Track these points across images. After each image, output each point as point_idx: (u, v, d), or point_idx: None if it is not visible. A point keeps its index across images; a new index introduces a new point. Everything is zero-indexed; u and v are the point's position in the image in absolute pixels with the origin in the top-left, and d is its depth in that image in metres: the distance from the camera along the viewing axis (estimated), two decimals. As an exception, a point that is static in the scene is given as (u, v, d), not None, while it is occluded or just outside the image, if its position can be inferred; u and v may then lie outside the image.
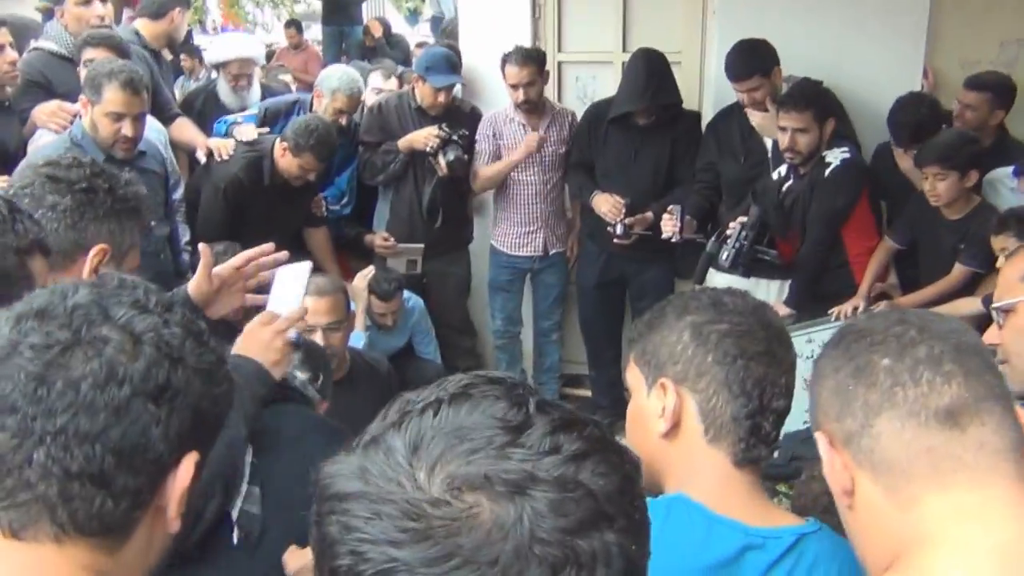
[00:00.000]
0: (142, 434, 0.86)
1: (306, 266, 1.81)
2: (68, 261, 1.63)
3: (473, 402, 0.74)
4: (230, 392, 0.96)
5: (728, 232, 3.98)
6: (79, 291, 0.91)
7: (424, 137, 4.36)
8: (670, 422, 1.31)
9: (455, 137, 4.35)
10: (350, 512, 0.71)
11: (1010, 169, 3.73)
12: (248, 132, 4.15)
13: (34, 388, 0.85)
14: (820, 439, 1.09)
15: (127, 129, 3.33)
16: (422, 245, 4.63)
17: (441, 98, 4.39)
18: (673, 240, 4.00)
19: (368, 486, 0.71)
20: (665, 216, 4.02)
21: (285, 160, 3.97)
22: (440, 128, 4.35)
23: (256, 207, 4.01)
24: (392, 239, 4.54)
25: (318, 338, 2.91)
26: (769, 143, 4.01)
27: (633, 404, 1.38)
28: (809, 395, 1.14)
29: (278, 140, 3.98)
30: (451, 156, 4.32)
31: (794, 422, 4.16)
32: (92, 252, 1.66)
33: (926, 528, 0.99)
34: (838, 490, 1.07)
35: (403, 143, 4.41)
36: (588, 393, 5.02)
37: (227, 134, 4.21)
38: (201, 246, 1.82)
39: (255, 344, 1.64)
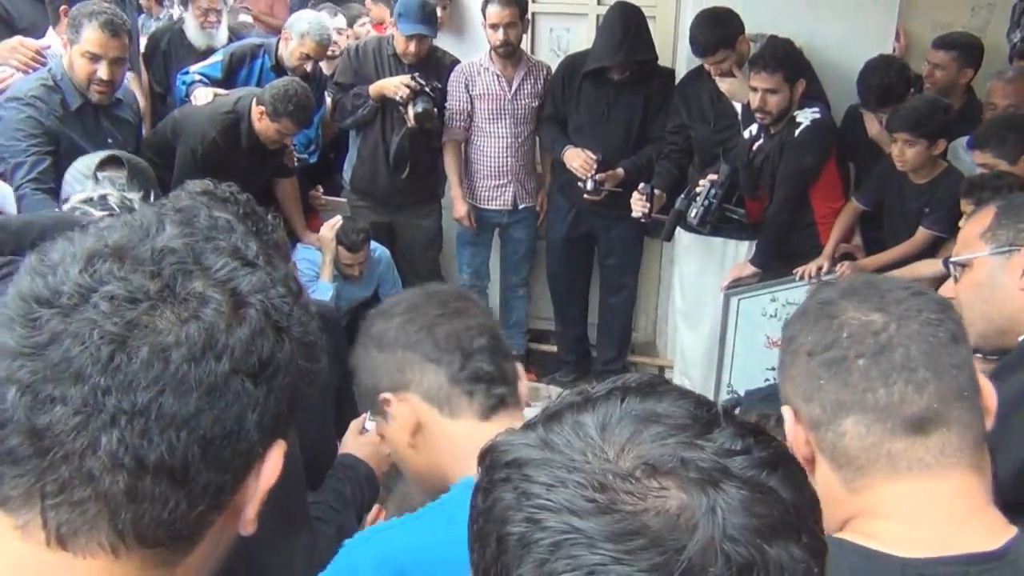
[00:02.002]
0: (236, 420, 0.70)
1: None
2: None
3: (659, 395, 0.72)
4: (323, 371, 0.80)
5: (697, 190, 4.05)
6: (165, 228, 0.73)
7: (395, 86, 4.34)
8: (405, 434, 1.33)
9: (427, 88, 4.33)
10: (531, 479, 0.68)
11: (965, 139, 3.82)
12: (205, 95, 4.14)
13: (110, 353, 0.67)
14: (786, 412, 1.12)
15: (103, 72, 3.34)
16: (344, 200, 4.63)
17: (412, 47, 4.38)
18: (643, 220, 4.07)
19: (553, 454, 0.68)
20: (635, 196, 4.07)
21: (262, 124, 3.98)
22: (413, 78, 4.34)
23: (231, 167, 3.97)
24: (321, 191, 4.42)
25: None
26: (739, 106, 4.08)
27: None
28: (779, 362, 1.15)
29: (254, 102, 3.99)
30: (420, 108, 4.30)
31: (754, 380, 4.29)
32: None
33: (876, 505, 1.06)
34: (799, 457, 1.09)
35: (373, 89, 4.40)
36: (554, 349, 5.11)
37: (186, 96, 4.22)
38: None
39: (366, 450, 1.79)
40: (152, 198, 2.44)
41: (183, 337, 0.68)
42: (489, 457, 0.72)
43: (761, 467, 0.68)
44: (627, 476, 0.66)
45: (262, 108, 3.96)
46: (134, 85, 4.15)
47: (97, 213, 2.04)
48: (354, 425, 1.95)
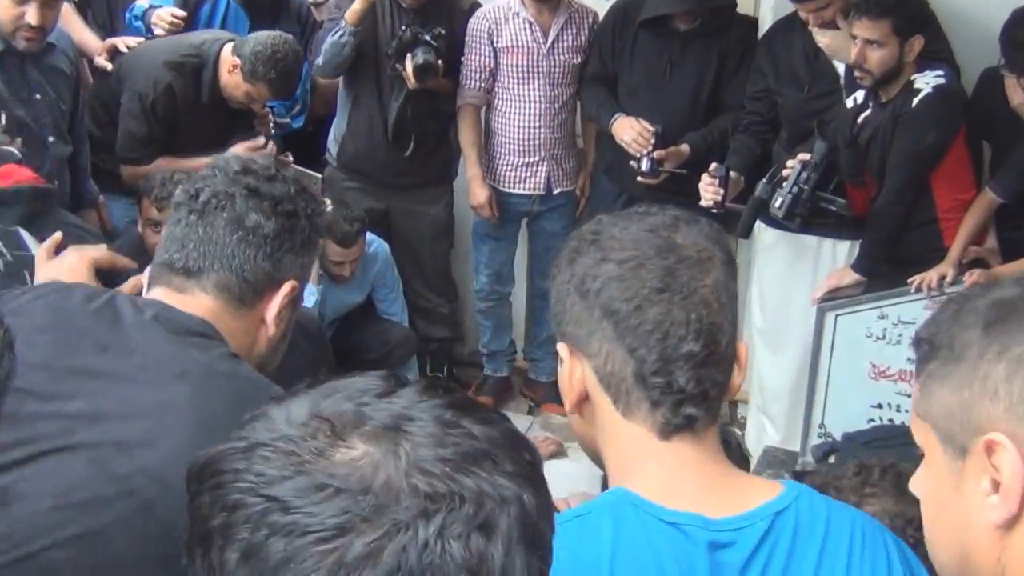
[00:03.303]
0: None
1: None
2: (255, 297, 1.75)
3: (345, 380, 0.91)
4: None
5: (785, 173, 4.01)
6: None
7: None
8: (573, 396, 1.40)
9: (426, 36, 4.34)
10: (222, 472, 0.85)
11: None
12: (166, 14, 4.21)
13: None
14: (1001, 438, 1.06)
15: (32, 15, 3.40)
16: (320, 175, 4.64)
17: None
18: (714, 211, 4.04)
19: (237, 443, 0.86)
20: (704, 179, 4.07)
21: (232, 80, 4.06)
22: (406, 30, 4.34)
23: (187, 125, 4.11)
24: (290, 158, 4.50)
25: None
26: (842, 68, 4.05)
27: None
28: (940, 381, 1.12)
29: (228, 50, 4.04)
30: (420, 59, 4.30)
31: (854, 420, 4.23)
32: (284, 290, 1.78)
33: None
34: (1013, 503, 1.06)
35: (350, 14, 4.35)
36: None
37: (144, 18, 4.28)
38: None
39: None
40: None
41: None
42: (187, 477, 0.89)
43: (448, 409, 0.86)
44: (308, 438, 0.83)
45: (237, 62, 4.01)
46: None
47: None
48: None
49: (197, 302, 1.71)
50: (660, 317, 1.33)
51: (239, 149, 4.11)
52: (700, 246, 1.37)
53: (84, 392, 1.55)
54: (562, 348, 1.41)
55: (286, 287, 1.78)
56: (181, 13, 4.27)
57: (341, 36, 4.36)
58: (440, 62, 4.38)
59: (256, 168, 1.82)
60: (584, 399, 1.40)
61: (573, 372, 1.40)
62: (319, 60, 4.48)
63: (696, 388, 1.34)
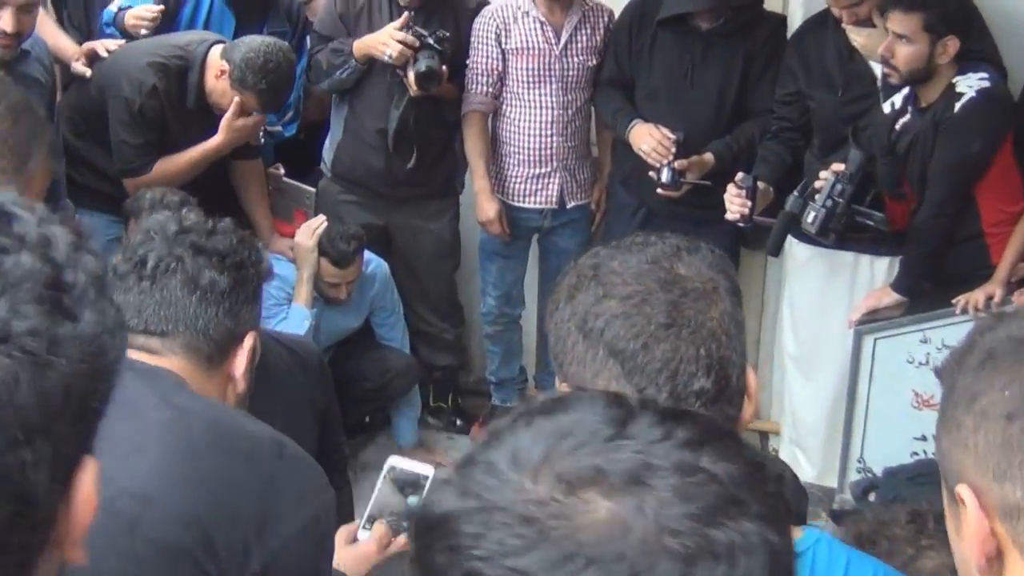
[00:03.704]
0: (20, 499, 0.85)
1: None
2: (222, 355, 1.88)
3: (568, 406, 0.89)
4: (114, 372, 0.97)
5: (817, 185, 3.99)
6: None
7: (383, 42, 4.32)
8: None
9: (430, 39, 4.31)
10: (455, 532, 0.84)
11: None
12: (143, 11, 4.20)
13: None
14: (965, 493, 1.15)
15: (6, 22, 3.40)
16: (313, 190, 4.63)
17: None
18: (741, 225, 4.05)
19: (470, 502, 0.85)
20: (730, 190, 4.06)
21: (219, 86, 4.07)
22: (408, 30, 4.31)
23: (175, 130, 4.12)
24: (282, 170, 4.47)
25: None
26: (879, 69, 4.04)
27: None
28: (945, 422, 1.19)
29: (216, 53, 4.05)
30: (422, 66, 4.28)
31: (896, 453, 4.21)
32: (247, 343, 1.91)
33: None
34: (975, 555, 1.15)
35: (357, 47, 4.40)
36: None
37: (115, 22, 4.27)
38: None
39: (353, 563, 2.14)
40: None
41: None
42: (414, 525, 0.89)
43: (686, 448, 0.84)
44: (548, 501, 0.82)
45: (225, 67, 4.02)
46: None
47: None
48: (343, 533, 2.19)
49: (170, 363, 1.82)
50: (668, 354, 1.35)
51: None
52: (704, 276, 1.40)
53: None
54: (565, 389, 1.42)
55: (248, 340, 1.92)
56: (156, 8, 4.24)
57: (345, 73, 4.42)
58: (444, 68, 4.37)
59: (192, 225, 1.93)
60: None
61: None
62: (324, 85, 4.54)
63: (727, 427, 1.32)
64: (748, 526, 0.82)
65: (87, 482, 0.87)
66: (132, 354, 1.75)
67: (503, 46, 4.53)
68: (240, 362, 1.90)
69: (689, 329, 1.34)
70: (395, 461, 2.24)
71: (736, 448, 0.88)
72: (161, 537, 1.70)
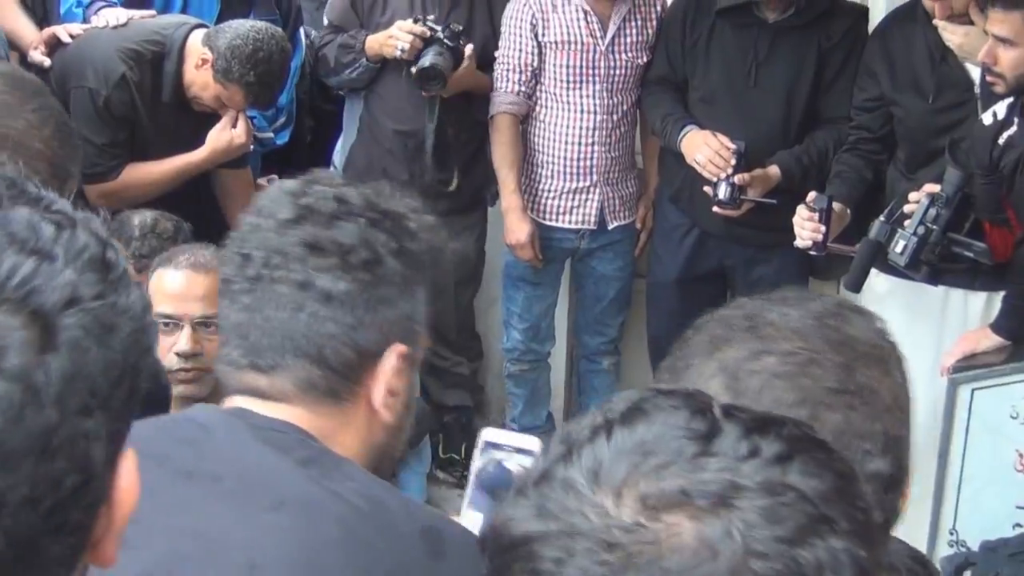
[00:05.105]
0: (80, 469, 0.87)
1: None
2: (349, 384, 1.54)
3: (649, 416, 0.91)
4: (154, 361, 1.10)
5: (907, 209, 3.73)
6: None
7: (391, 35, 4.24)
8: None
9: (442, 34, 4.21)
10: (538, 556, 0.87)
11: None
12: (117, 15, 4.03)
13: None
14: None
15: None
16: None
17: None
18: (812, 253, 3.93)
19: (551, 524, 0.87)
20: (801, 212, 3.88)
21: (200, 77, 3.89)
22: (420, 21, 4.21)
23: (147, 129, 3.96)
24: (276, 180, 4.38)
25: (183, 341, 2.89)
26: (977, 73, 3.83)
27: None
28: None
29: (199, 39, 3.89)
30: (426, 62, 4.17)
31: (996, 523, 3.96)
32: (388, 363, 1.55)
33: None
34: None
35: (370, 47, 4.32)
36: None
37: (85, 21, 4.13)
38: None
39: None
40: None
41: None
42: (491, 542, 0.92)
43: (774, 465, 0.87)
44: (633, 526, 0.85)
45: (208, 55, 3.82)
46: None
47: None
48: None
49: (281, 409, 1.52)
50: (840, 426, 1.28)
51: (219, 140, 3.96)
52: (873, 341, 1.36)
53: (159, 534, 1.43)
54: None
55: (390, 357, 1.55)
56: (128, 14, 4.08)
57: (356, 71, 4.38)
58: (454, 66, 4.26)
59: (311, 203, 1.55)
60: None
61: None
62: (332, 80, 4.52)
63: (880, 517, 1.27)
64: (836, 544, 0.85)
65: (130, 469, 0.91)
66: (240, 400, 1.53)
67: (540, 38, 4.38)
68: (379, 387, 1.55)
69: (863, 399, 1.28)
70: (489, 435, 1.92)
71: (826, 459, 0.91)
72: None
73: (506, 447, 1.92)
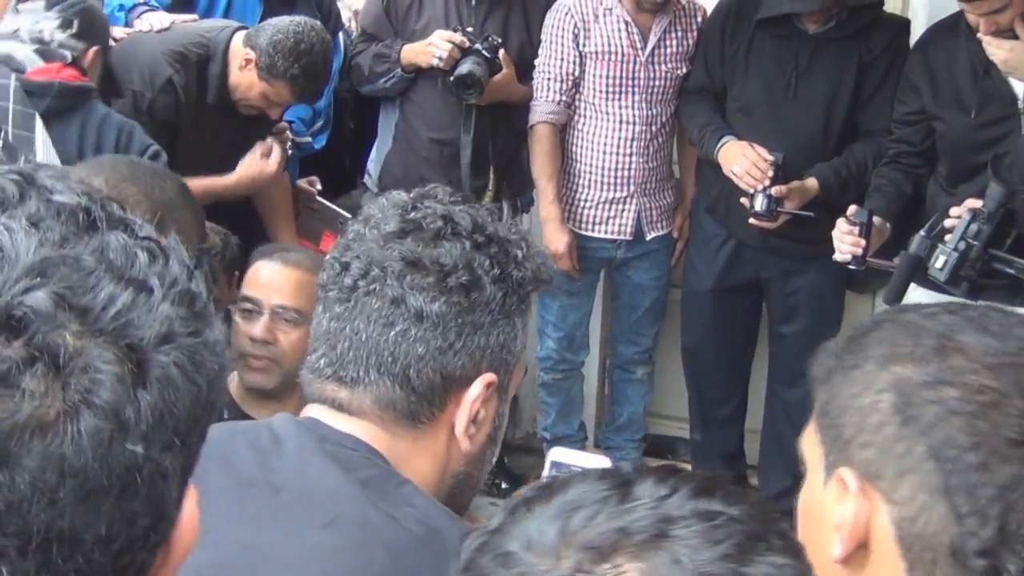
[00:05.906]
0: (156, 508, 0.87)
1: None
2: (432, 409, 1.51)
3: (564, 485, 0.94)
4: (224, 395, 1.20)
5: (948, 224, 3.70)
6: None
7: (430, 42, 4.24)
8: (848, 543, 1.29)
9: (480, 46, 4.21)
10: None
11: None
12: (160, 21, 4.06)
13: None
14: None
15: None
16: (350, 216, 4.46)
17: None
18: (851, 268, 3.90)
19: None
20: (841, 225, 3.83)
21: (245, 77, 3.90)
22: (459, 31, 4.22)
23: (189, 134, 3.96)
24: (318, 186, 4.35)
25: (258, 327, 3.02)
26: (1021, 88, 3.79)
27: (807, 489, 1.39)
28: None
29: (240, 41, 3.91)
30: (463, 69, 4.17)
31: None
32: (473, 392, 1.52)
33: None
34: None
35: (405, 57, 4.33)
36: (687, 468, 4.79)
37: (127, 26, 4.16)
38: None
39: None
40: (82, 32, 3.30)
41: (80, 432, 0.77)
42: None
43: (698, 497, 0.91)
44: (577, 573, 0.87)
45: (251, 55, 3.84)
46: None
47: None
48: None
49: (355, 424, 1.51)
50: (1012, 481, 1.20)
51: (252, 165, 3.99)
52: None
53: (209, 542, 1.32)
54: (849, 475, 1.28)
55: (477, 387, 1.52)
56: (171, 18, 4.11)
57: (390, 81, 4.40)
58: (491, 75, 4.27)
59: (419, 219, 1.51)
60: (861, 549, 1.29)
61: (859, 513, 1.28)
62: (365, 88, 4.54)
63: None
64: (778, 559, 0.88)
65: (191, 508, 0.90)
66: (316, 410, 1.52)
67: (581, 48, 4.38)
68: (462, 415, 1.52)
69: None
70: (557, 455, 1.85)
71: (739, 492, 0.94)
72: None
73: (575, 468, 1.84)
